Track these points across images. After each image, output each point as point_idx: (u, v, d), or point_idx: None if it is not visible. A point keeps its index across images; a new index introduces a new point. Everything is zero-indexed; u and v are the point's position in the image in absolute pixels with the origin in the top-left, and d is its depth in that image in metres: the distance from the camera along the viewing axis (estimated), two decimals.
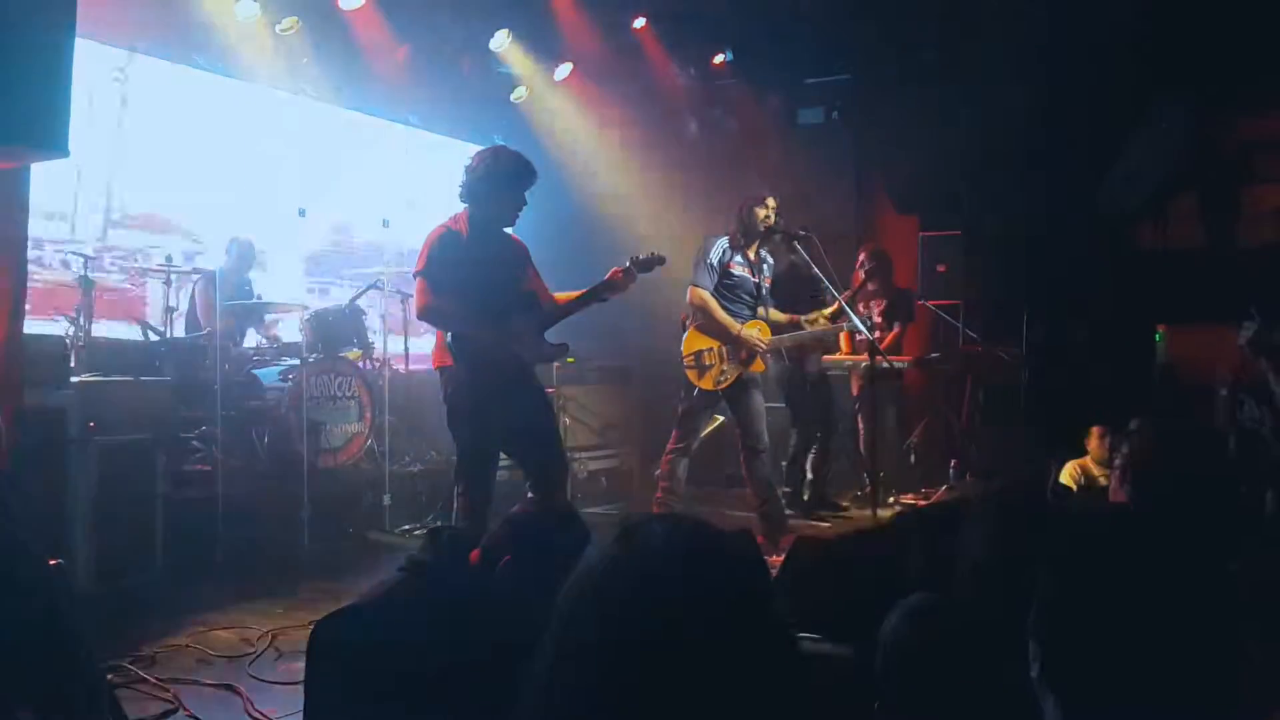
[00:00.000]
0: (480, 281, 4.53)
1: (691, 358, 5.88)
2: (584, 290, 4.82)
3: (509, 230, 4.80)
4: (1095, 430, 5.98)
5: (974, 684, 1.64)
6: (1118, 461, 2.51)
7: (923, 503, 7.22)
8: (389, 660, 2.01)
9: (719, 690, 1.05)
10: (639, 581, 1.10)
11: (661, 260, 4.90)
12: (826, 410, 7.41)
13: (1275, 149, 7.80)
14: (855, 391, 7.61)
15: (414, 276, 4.64)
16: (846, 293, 6.82)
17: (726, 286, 5.90)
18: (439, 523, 6.16)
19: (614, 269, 4.79)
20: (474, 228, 4.63)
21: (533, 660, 1.14)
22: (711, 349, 5.85)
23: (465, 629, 2.01)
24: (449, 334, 4.56)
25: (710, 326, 5.86)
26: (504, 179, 4.63)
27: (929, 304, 8.03)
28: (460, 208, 4.71)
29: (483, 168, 4.62)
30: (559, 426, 5.06)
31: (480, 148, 4.94)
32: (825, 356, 7.48)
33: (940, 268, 8.29)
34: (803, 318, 6.19)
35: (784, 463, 7.28)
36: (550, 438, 4.83)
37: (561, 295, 4.87)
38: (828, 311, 6.20)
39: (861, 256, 7.62)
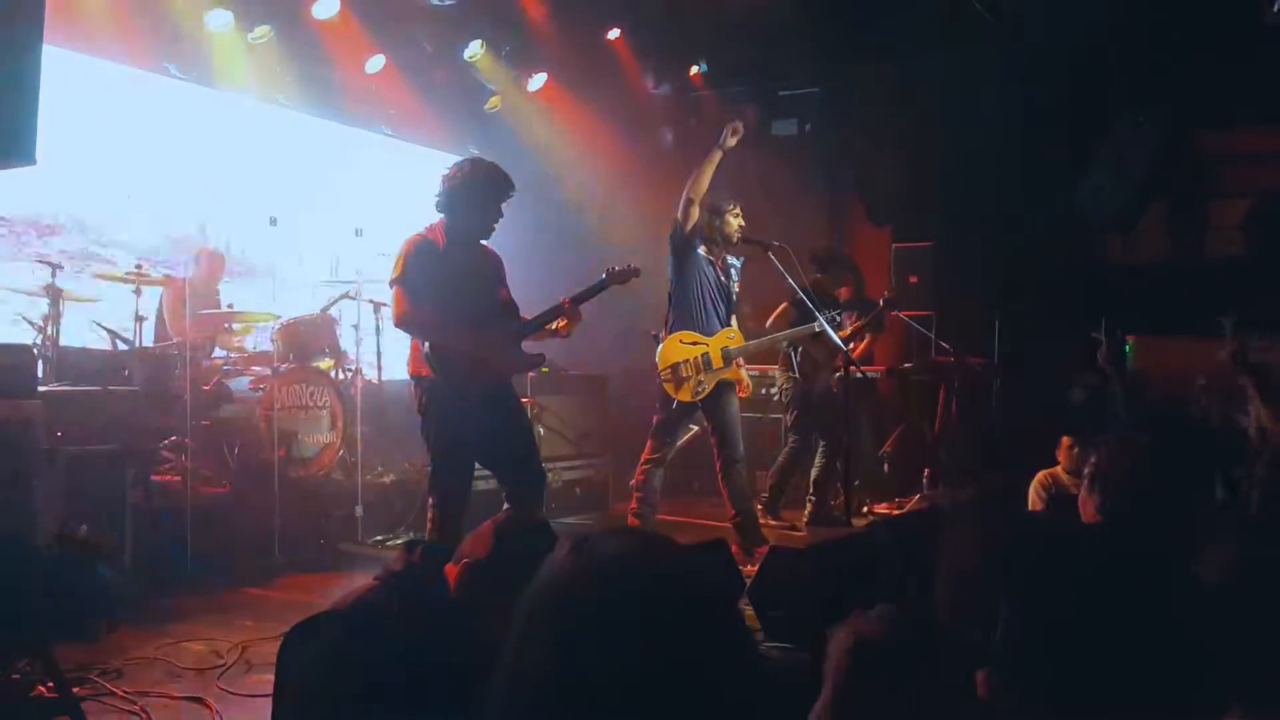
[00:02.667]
0: (457, 291, 4.54)
1: (669, 370, 5.87)
2: (533, 316, 4.83)
3: (485, 242, 4.80)
4: (1065, 440, 6.02)
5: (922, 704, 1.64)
6: (1086, 471, 2.54)
7: (896, 512, 7.26)
8: (358, 670, 2.00)
9: (673, 700, 1.05)
10: (591, 593, 1.10)
11: (636, 271, 4.92)
12: (836, 425, 7.32)
13: (1240, 162, 7.92)
14: None
15: (390, 285, 4.61)
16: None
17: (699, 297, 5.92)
18: (411, 534, 6.13)
19: (562, 298, 4.79)
20: (450, 238, 4.63)
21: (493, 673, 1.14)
22: (688, 360, 5.85)
23: (436, 640, 2.00)
24: (425, 343, 4.53)
25: (687, 337, 5.86)
26: (481, 190, 4.63)
27: (901, 315, 8.08)
28: (437, 218, 4.70)
29: (460, 178, 4.63)
30: (536, 438, 5.02)
31: (455, 158, 4.95)
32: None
33: (912, 279, 8.36)
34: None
35: (762, 470, 7.27)
36: (527, 449, 4.82)
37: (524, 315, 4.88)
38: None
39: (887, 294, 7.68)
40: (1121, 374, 3.34)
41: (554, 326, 4.79)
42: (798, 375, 7.22)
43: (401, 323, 4.60)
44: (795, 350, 7.05)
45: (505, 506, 4.65)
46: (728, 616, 1.15)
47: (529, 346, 4.88)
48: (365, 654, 2.02)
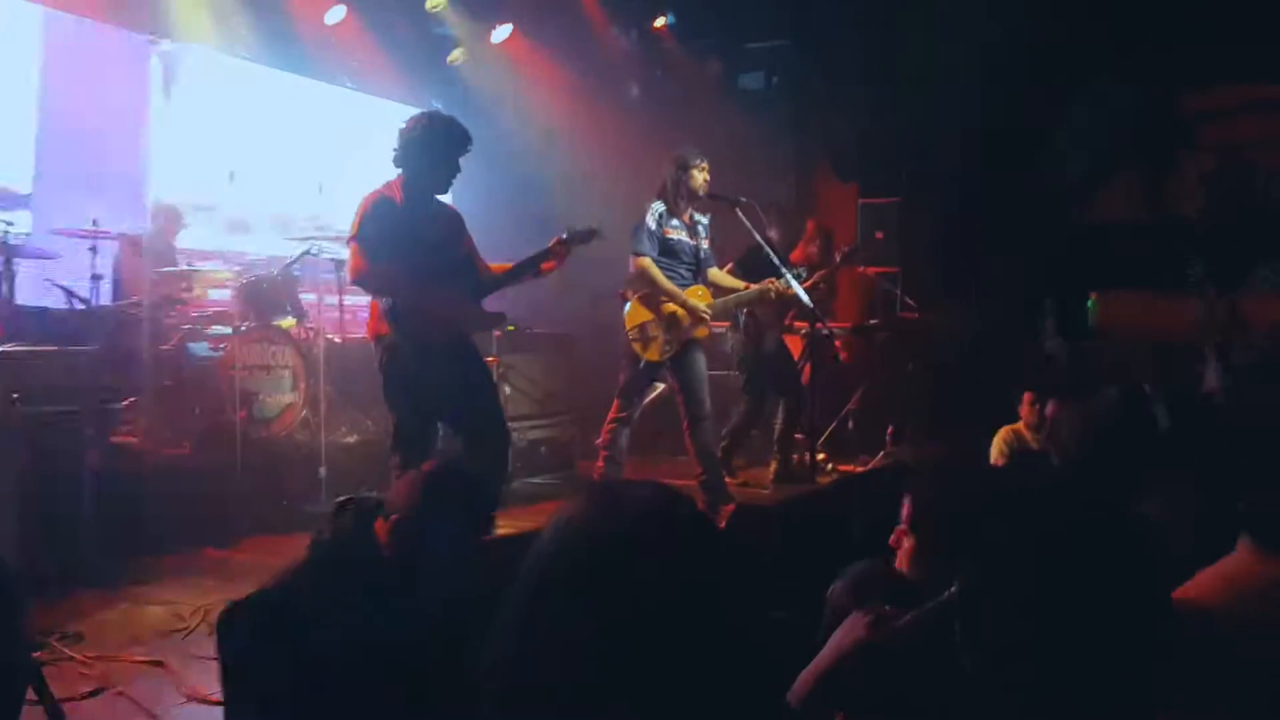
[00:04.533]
0: (415, 248, 4.47)
1: (636, 330, 5.83)
2: (519, 261, 4.81)
3: (444, 199, 4.75)
4: (1027, 396, 6.06)
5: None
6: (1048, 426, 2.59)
7: (860, 469, 7.30)
8: (288, 654, 1.97)
9: (695, 651, 1.06)
10: (619, 541, 1.11)
11: (595, 232, 4.87)
12: (793, 382, 7.33)
13: (1214, 119, 7.94)
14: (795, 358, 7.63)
15: (347, 243, 4.58)
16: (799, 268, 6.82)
17: (664, 253, 5.84)
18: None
19: (554, 239, 4.76)
20: (408, 194, 4.57)
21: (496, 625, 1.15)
22: (655, 319, 5.82)
23: (370, 609, 1.97)
24: (384, 301, 4.49)
25: (654, 296, 5.82)
26: (438, 144, 4.57)
27: (867, 270, 8.09)
28: (395, 174, 4.63)
29: (416, 131, 4.57)
30: (500, 396, 4.99)
31: (418, 111, 4.88)
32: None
33: (879, 234, 8.36)
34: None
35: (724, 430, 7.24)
36: (490, 407, 4.80)
37: (496, 266, 4.85)
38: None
39: (810, 229, 7.62)
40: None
41: (542, 267, 4.79)
42: (743, 336, 7.20)
43: (357, 279, 4.56)
44: (741, 310, 6.98)
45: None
46: (731, 565, 1.17)
47: (494, 304, 4.86)
48: (296, 635, 1.98)
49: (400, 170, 4.61)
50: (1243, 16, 6.90)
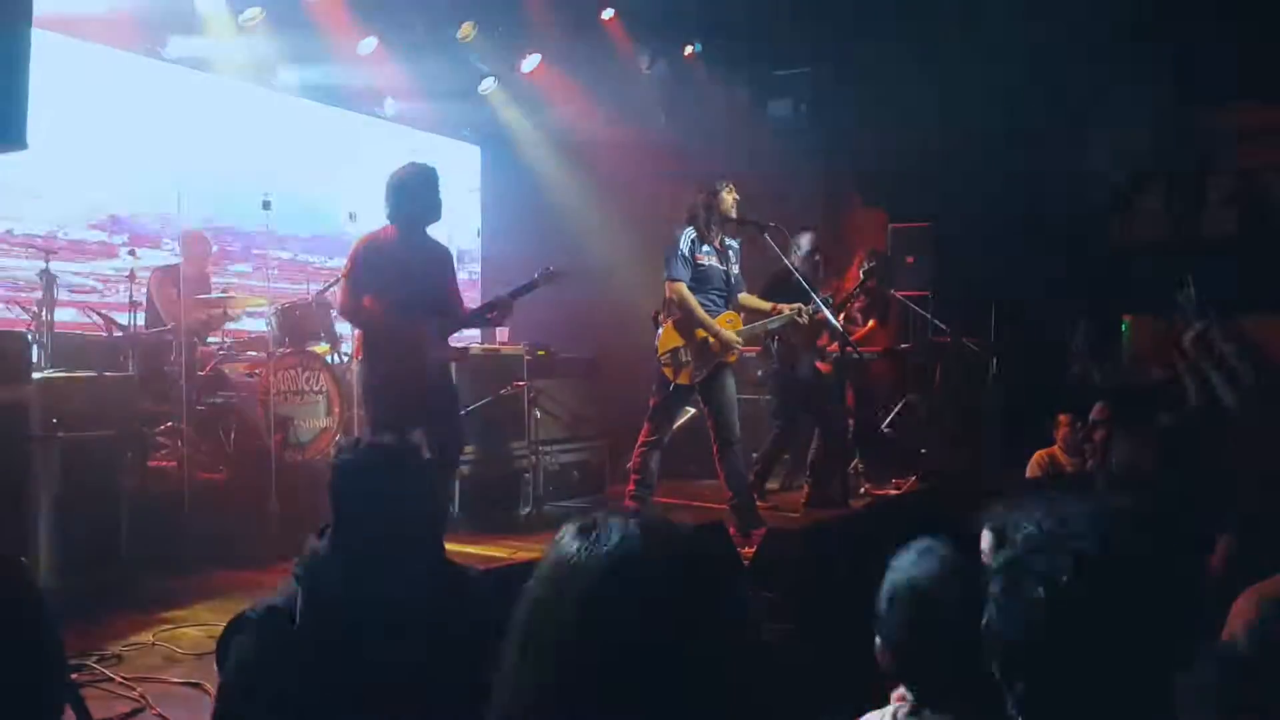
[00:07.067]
0: (399, 284, 5.01)
1: (668, 355, 5.85)
2: (483, 303, 5.48)
3: (439, 237, 5.37)
4: (1063, 419, 6.02)
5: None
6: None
7: (893, 493, 7.26)
8: (269, 679, 1.99)
9: (683, 679, 1.06)
10: (602, 578, 1.10)
11: (553, 276, 5.39)
12: (828, 406, 7.27)
13: (1239, 140, 7.90)
14: None
15: (340, 278, 5.23)
16: (838, 290, 6.86)
17: (696, 279, 5.86)
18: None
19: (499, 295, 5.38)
20: (401, 232, 5.13)
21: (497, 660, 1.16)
22: (686, 345, 5.83)
23: (343, 636, 1.97)
24: (361, 331, 5.21)
25: (689, 324, 5.84)
26: (417, 184, 5.14)
27: (898, 295, 8.07)
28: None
29: (396, 179, 5.15)
30: (460, 427, 5.52)
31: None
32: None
33: (909, 259, 8.35)
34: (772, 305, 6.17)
35: (754, 454, 7.22)
36: (447, 438, 5.12)
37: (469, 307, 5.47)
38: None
39: (860, 255, 7.66)
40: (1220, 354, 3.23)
41: (489, 316, 5.41)
42: (776, 363, 7.18)
43: (341, 312, 5.31)
44: (772, 338, 6.97)
45: None
46: (736, 597, 1.15)
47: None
48: (277, 660, 2.00)
49: (390, 218, 5.14)
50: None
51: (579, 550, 1.13)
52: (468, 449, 6.09)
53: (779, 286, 6.50)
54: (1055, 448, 5.98)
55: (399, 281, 5.00)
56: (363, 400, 5.34)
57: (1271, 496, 2.13)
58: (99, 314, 6.37)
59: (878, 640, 1.96)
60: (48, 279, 5.74)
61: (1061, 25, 7.39)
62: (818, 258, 6.91)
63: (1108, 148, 7.92)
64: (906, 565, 1.97)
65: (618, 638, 1.07)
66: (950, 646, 1.70)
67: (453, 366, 5.66)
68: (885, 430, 8.00)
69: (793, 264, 6.18)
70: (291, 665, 1.96)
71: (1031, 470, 5.86)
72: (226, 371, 6.50)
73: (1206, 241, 7.94)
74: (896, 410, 8.06)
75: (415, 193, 5.12)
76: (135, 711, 3.57)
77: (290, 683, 1.95)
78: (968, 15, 7.63)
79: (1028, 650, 1.26)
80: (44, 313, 5.65)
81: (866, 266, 7.57)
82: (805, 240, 6.85)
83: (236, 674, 2.05)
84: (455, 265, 5.53)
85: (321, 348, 6.88)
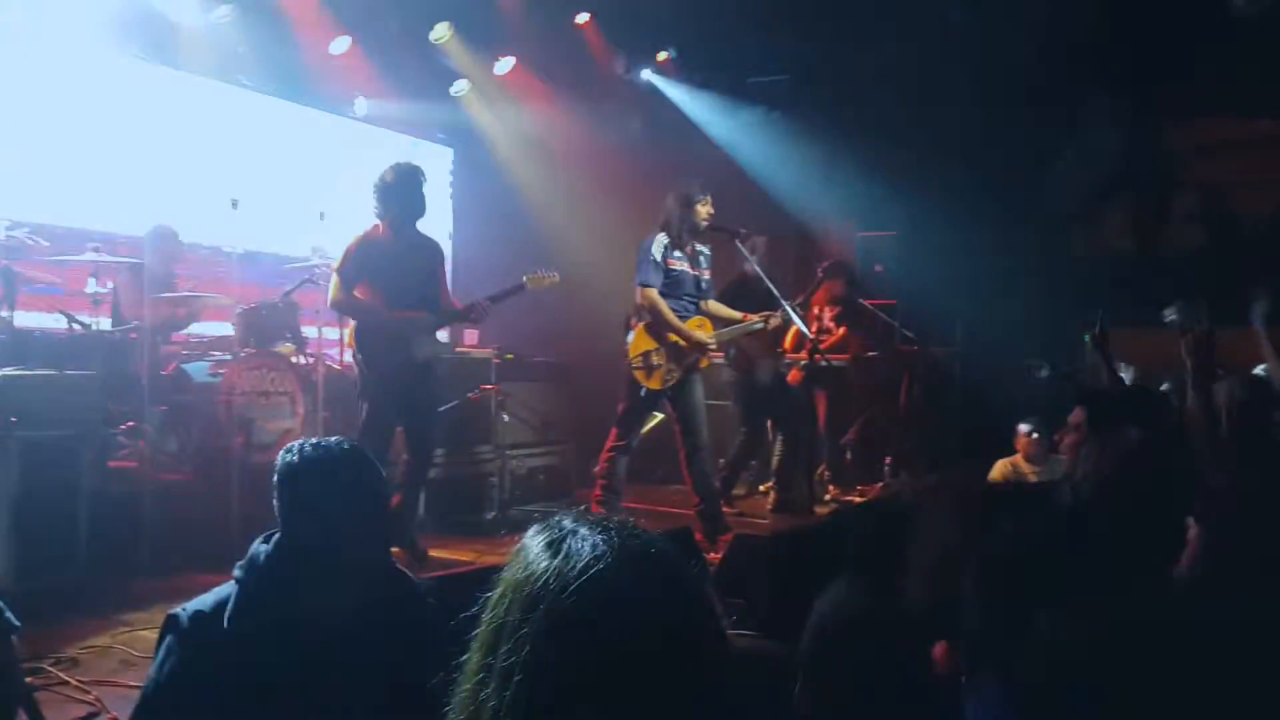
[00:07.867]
0: (389, 279, 5.38)
1: (640, 358, 5.85)
2: (464, 306, 5.66)
3: (428, 232, 5.65)
4: (1022, 429, 6.08)
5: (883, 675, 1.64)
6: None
7: (858, 499, 7.30)
8: (192, 671, 1.97)
9: (655, 689, 1.05)
10: (574, 603, 1.08)
11: (554, 280, 5.75)
12: (792, 412, 7.33)
13: (1204, 154, 8.01)
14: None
15: (333, 273, 5.54)
16: (800, 295, 6.88)
17: (667, 284, 5.87)
18: None
19: (482, 299, 5.61)
20: (392, 230, 5.47)
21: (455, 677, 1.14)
22: (659, 349, 5.83)
23: (279, 640, 1.95)
24: (351, 324, 5.61)
25: (660, 328, 5.84)
26: (400, 183, 5.45)
27: (866, 303, 8.11)
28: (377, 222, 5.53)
29: (382, 181, 5.47)
30: (437, 419, 5.92)
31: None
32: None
33: (878, 267, 8.40)
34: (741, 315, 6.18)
35: (721, 460, 7.23)
36: (424, 432, 5.66)
37: (457, 302, 5.70)
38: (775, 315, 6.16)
39: (825, 262, 7.70)
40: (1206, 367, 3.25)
41: (470, 317, 5.70)
42: (734, 368, 7.21)
43: (331, 305, 5.61)
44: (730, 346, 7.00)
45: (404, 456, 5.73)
46: (704, 605, 1.14)
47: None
48: (199, 662, 1.97)
49: (379, 217, 5.48)
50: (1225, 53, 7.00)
51: (547, 571, 1.10)
52: (435, 451, 6.08)
53: (740, 291, 6.54)
54: (1018, 456, 6.04)
55: (389, 275, 5.38)
56: (359, 387, 5.61)
57: (1237, 501, 2.16)
58: (62, 312, 6.27)
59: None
60: (9, 275, 5.65)
61: (1030, 39, 7.46)
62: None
63: (1074, 161, 8.00)
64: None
65: (588, 659, 1.05)
66: None
67: (437, 361, 5.89)
68: (852, 437, 8.04)
69: (761, 269, 6.19)
70: (213, 668, 1.94)
71: (995, 477, 5.91)
72: (189, 371, 6.41)
73: (1172, 255, 8.04)
74: (864, 417, 8.10)
75: (399, 191, 5.45)
76: (91, 715, 3.54)
77: (209, 687, 1.92)
78: (937, 27, 7.69)
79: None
80: (4, 310, 5.55)
81: (824, 267, 7.59)
82: (760, 244, 6.87)
83: (157, 672, 2.02)
84: (444, 257, 5.82)
85: (286, 348, 6.81)
